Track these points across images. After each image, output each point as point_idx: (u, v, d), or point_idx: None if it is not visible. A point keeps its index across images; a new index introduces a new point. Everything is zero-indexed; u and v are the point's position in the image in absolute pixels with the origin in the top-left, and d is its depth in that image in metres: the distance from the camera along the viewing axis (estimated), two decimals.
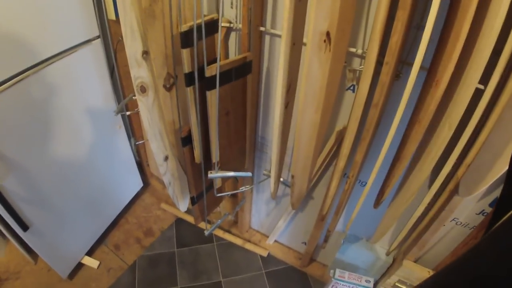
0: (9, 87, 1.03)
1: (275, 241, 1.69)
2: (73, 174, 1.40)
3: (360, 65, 0.88)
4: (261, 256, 1.68)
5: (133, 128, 1.64)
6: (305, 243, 1.59)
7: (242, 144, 1.08)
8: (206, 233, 1.29)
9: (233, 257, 1.68)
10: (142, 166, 1.90)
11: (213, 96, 0.84)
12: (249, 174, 0.97)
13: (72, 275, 1.59)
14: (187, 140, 0.99)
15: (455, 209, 0.99)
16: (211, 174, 0.95)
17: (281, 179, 1.05)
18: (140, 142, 1.34)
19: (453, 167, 0.78)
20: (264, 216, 1.63)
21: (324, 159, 1.04)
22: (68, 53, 1.17)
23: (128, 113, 1.28)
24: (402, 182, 0.98)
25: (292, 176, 0.89)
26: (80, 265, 1.63)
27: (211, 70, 0.81)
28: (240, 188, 1.15)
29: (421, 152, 0.82)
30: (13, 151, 1.09)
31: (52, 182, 1.30)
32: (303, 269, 1.63)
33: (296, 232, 1.57)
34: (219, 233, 1.76)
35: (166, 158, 1.23)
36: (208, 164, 1.05)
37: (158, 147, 1.17)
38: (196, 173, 1.10)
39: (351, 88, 0.95)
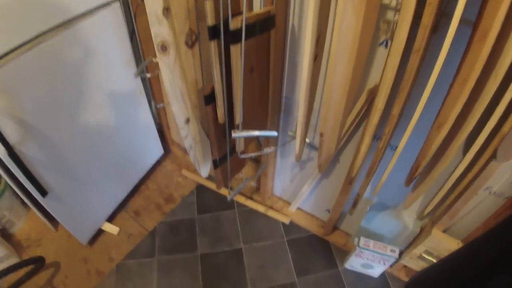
0: (30, 49, 1.00)
1: (298, 208, 1.67)
2: (94, 140, 1.39)
3: (394, 16, 0.81)
4: (283, 224, 1.67)
5: (153, 92, 1.61)
6: (329, 211, 1.55)
7: (265, 104, 1.03)
8: (229, 197, 1.27)
9: (255, 224, 1.67)
10: (163, 133, 1.89)
11: (237, 50, 0.79)
12: (275, 133, 0.93)
13: (92, 241, 1.62)
14: (210, 99, 0.95)
15: (490, 176, 0.92)
16: (235, 133, 0.91)
17: (307, 141, 1.01)
18: (160, 105, 1.31)
19: (492, 130, 0.72)
20: (287, 182, 1.60)
21: (354, 119, 0.98)
22: (86, 16, 1.13)
23: (148, 75, 1.24)
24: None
25: (321, 135, 0.84)
26: (100, 232, 1.65)
27: (236, 22, 0.76)
28: (264, 150, 1.11)
29: (463, 116, 0.75)
30: (33, 115, 1.08)
31: (72, 148, 1.30)
32: (325, 238, 1.61)
33: (320, 199, 1.54)
34: (241, 199, 1.74)
35: (188, 121, 1.20)
36: (231, 125, 1.01)
37: (180, 109, 1.14)
38: (219, 134, 1.07)
39: (384, 43, 0.88)
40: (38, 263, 1.46)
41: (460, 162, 0.85)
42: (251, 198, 1.76)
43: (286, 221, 1.66)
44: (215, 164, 1.18)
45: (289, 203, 1.69)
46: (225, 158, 1.20)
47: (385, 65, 0.71)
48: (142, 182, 1.87)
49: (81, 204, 1.46)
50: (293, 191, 1.61)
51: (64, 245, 1.60)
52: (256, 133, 0.92)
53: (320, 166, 1.01)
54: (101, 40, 1.23)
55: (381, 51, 0.89)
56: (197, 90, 1.09)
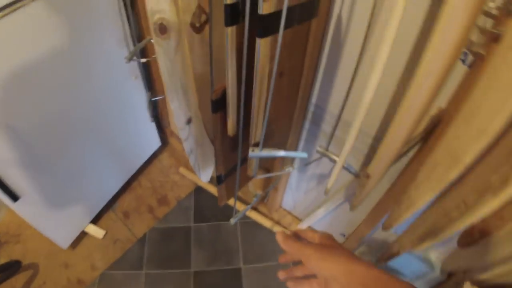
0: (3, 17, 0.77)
1: (309, 227, 1.45)
2: (78, 130, 1.17)
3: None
4: None
5: (152, 79, 1.36)
6: (344, 235, 1.33)
7: (290, 115, 0.80)
8: (232, 221, 1.05)
9: (258, 240, 1.45)
10: (161, 123, 1.66)
11: (267, 45, 0.55)
12: (305, 155, 0.70)
13: (74, 244, 1.41)
14: (219, 105, 0.71)
15: None
16: (253, 153, 0.69)
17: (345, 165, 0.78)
18: (158, 97, 1.08)
19: None
20: (300, 196, 1.37)
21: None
22: None
23: (142, 60, 1.00)
24: None
25: (367, 176, 0.62)
26: (84, 234, 1.45)
27: (270, 4, 0.51)
28: (284, 169, 0.88)
29: None
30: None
31: (51, 141, 1.07)
32: None
33: (336, 221, 1.31)
34: (244, 208, 1.52)
35: (189, 121, 0.98)
36: (244, 137, 0.78)
37: (180, 107, 0.91)
38: (227, 147, 0.84)
39: (463, 58, 0.63)
40: (14, 267, 1.29)
41: None
42: (255, 209, 1.54)
43: None
44: (219, 180, 0.96)
45: (298, 219, 1.47)
46: (230, 173, 0.97)
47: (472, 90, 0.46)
48: (135, 177, 1.65)
49: (62, 205, 1.25)
50: (306, 207, 1.38)
51: (45, 244, 1.39)
52: (282, 153, 0.70)
53: (354, 206, 0.79)
54: (91, 12, 0.99)
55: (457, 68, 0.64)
56: (203, 87, 0.86)
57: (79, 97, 1.10)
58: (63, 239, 1.34)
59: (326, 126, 0.89)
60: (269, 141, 0.78)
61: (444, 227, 0.59)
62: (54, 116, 1.04)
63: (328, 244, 0.40)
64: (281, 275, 0.48)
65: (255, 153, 0.69)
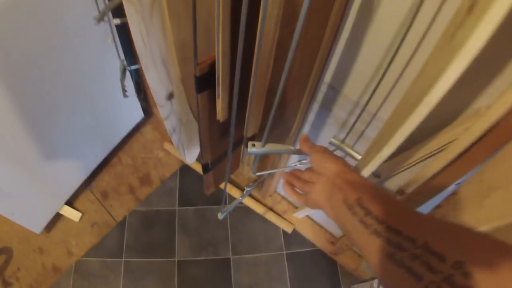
0: None
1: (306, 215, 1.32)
2: (51, 100, 1.00)
3: None
4: (284, 232, 1.32)
5: (131, 43, 1.16)
6: None
7: (299, 99, 0.63)
8: (221, 216, 0.90)
9: (249, 228, 1.32)
10: (145, 92, 1.47)
11: (276, 3, 0.38)
12: None
13: (49, 227, 1.28)
14: (205, 82, 0.54)
15: None
16: (253, 149, 0.53)
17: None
18: (134, 67, 0.90)
19: None
20: None
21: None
22: None
23: (116, 21, 0.82)
24: None
25: (401, 192, 0.47)
26: (58, 216, 1.31)
27: None
28: (291, 164, 0.72)
29: None
30: None
31: (20, 111, 0.90)
32: (333, 256, 1.28)
33: None
34: (235, 193, 1.38)
35: (171, 96, 0.81)
36: (237, 120, 0.61)
37: (159, 80, 0.74)
38: (215, 133, 0.68)
39: None
40: None
41: None
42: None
43: (288, 229, 1.31)
44: (206, 168, 0.80)
45: (295, 207, 1.33)
46: (219, 160, 0.81)
47: None
48: (114, 153, 1.48)
49: (32, 184, 1.10)
50: None
51: (17, 227, 1.26)
52: (291, 149, 0.54)
53: None
54: None
55: None
56: (186, 56, 0.68)
57: (46, 61, 0.91)
58: (36, 222, 1.20)
59: (339, 112, 0.73)
60: (271, 131, 0.62)
61: None
62: (21, 85, 0.86)
63: (332, 153, 0.44)
64: (285, 176, 0.50)
65: (255, 149, 0.53)
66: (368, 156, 0.49)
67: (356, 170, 0.52)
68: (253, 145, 0.53)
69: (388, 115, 0.49)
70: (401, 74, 0.55)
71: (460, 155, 0.48)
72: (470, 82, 0.46)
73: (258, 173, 0.70)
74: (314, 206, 0.44)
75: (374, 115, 0.66)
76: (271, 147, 0.53)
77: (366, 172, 0.49)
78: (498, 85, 0.47)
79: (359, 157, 0.59)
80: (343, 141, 0.65)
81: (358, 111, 0.67)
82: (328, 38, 0.50)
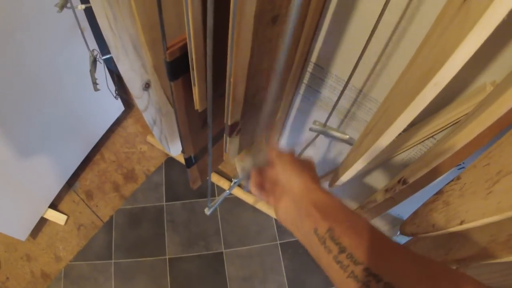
0: None
1: None
2: (25, 96, 0.94)
3: None
4: (276, 221, 1.28)
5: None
6: None
7: (284, 81, 0.58)
8: (208, 212, 0.85)
9: (240, 219, 1.28)
10: (123, 83, 1.39)
11: None
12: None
13: (34, 233, 1.23)
14: (178, 67, 0.49)
15: None
16: (242, 164, 0.47)
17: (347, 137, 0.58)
18: (106, 56, 0.82)
19: None
20: None
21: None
22: None
23: (81, 7, 0.74)
24: None
25: (404, 181, 0.42)
26: (43, 220, 1.25)
27: None
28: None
29: None
30: None
31: None
32: None
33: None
34: (224, 184, 1.33)
35: (147, 86, 0.76)
36: (216, 107, 0.55)
37: (132, 69, 0.69)
38: (195, 124, 0.62)
39: None
40: None
41: None
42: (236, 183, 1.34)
43: None
44: (189, 162, 0.75)
45: None
46: (203, 153, 0.76)
47: None
48: (96, 150, 1.41)
49: (11, 192, 1.04)
50: None
51: (3, 235, 1.20)
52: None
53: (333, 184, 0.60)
54: None
55: None
56: (157, 41, 0.62)
57: (7, 53, 0.83)
58: (20, 229, 1.14)
59: (328, 92, 0.68)
60: (252, 118, 0.56)
61: None
62: None
63: (300, 160, 0.40)
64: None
65: (245, 163, 0.46)
66: (362, 145, 0.44)
67: (349, 161, 0.47)
68: (242, 160, 0.48)
69: (376, 92, 0.44)
70: (386, 45, 0.50)
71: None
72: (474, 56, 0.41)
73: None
74: (282, 223, 0.39)
75: (360, 91, 0.61)
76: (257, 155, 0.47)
77: (361, 164, 0.44)
78: (504, 61, 0.42)
79: (347, 136, 0.55)
80: (325, 124, 0.60)
81: (344, 91, 0.61)
82: (314, 8, 0.45)
